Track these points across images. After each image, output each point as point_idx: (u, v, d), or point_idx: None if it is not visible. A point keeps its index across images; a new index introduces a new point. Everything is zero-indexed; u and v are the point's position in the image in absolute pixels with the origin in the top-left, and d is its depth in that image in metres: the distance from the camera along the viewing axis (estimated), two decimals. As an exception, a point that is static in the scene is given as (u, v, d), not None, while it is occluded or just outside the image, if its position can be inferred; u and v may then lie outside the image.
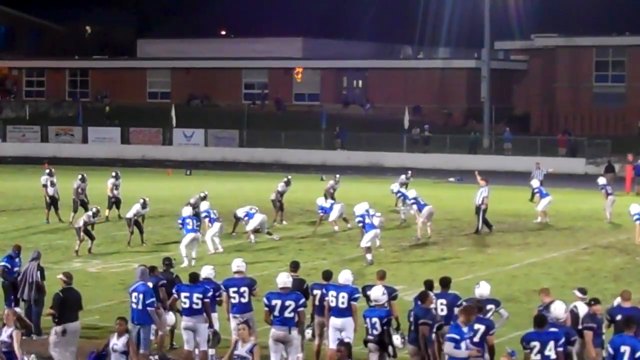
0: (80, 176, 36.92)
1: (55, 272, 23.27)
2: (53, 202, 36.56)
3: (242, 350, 14.99)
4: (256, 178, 54.63)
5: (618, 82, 75.80)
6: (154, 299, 18.04)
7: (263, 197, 38.90)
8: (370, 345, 16.53)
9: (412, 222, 34.71)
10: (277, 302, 17.06)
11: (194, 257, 27.97)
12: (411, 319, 16.44)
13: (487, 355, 15.83)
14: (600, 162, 57.05)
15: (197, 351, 17.90)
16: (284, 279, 17.43)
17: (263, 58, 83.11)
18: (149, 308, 17.83)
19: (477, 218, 34.82)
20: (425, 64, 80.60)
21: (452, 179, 54.50)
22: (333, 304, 17.65)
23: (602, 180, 39.35)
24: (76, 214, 35.15)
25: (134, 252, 30.45)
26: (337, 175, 40.02)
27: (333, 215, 34.34)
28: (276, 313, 17.06)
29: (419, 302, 16.60)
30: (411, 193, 34.20)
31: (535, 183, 38.00)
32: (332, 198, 36.23)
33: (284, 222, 36.27)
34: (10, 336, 15.96)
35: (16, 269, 21.31)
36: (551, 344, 14.78)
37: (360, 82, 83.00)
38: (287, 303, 17.04)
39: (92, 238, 30.41)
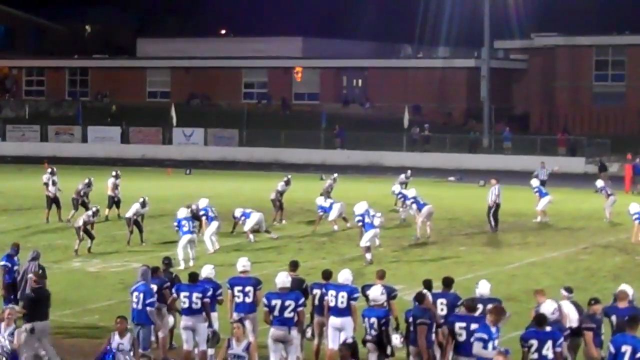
0: (87, 180, 36.71)
1: (55, 272, 23.37)
2: (55, 201, 36.58)
3: (237, 349, 14.99)
4: (256, 177, 54.63)
5: (618, 81, 75.80)
6: (153, 299, 18.04)
7: (263, 196, 38.91)
8: (369, 345, 16.53)
9: (411, 222, 34.70)
10: (276, 302, 17.06)
11: (192, 258, 27.95)
12: (410, 319, 16.42)
13: None
14: (603, 161, 57.08)
15: (196, 351, 17.91)
16: (283, 279, 17.43)
17: (263, 57, 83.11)
18: (148, 308, 17.84)
19: (488, 218, 34.79)
20: (425, 63, 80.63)
21: (451, 179, 54.49)
22: (332, 304, 17.65)
23: (599, 183, 39.38)
24: (76, 212, 35.14)
25: (134, 252, 30.46)
26: (335, 175, 40.01)
27: (332, 215, 34.34)
28: (276, 313, 17.05)
29: (417, 303, 16.60)
30: (411, 192, 34.21)
31: (534, 182, 37.98)
32: (329, 197, 36.20)
33: (284, 222, 36.27)
34: (12, 334, 15.98)
35: (15, 267, 21.26)
36: (549, 343, 14.81)
37: (360, 81, 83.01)
38: (287, 303, 17.04)
39: (91, 237, 30.42)
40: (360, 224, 29.32)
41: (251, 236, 32.00)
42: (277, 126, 68.25)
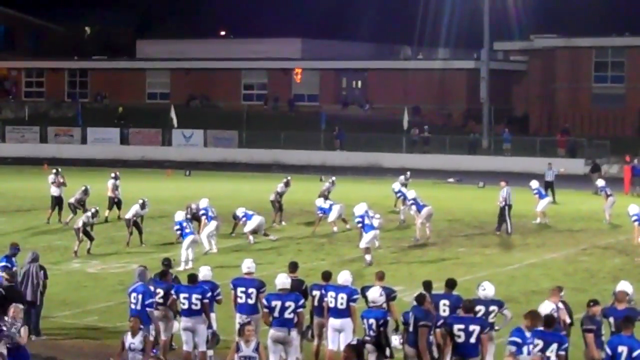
0: (83, 188, 36.67)
1: (54, 273, 23.36)
2: (58, 202, 36.59)
3: (247, 350, 14.94)
4: (255, 179, 54.64)
5: (617, 82, 75.80)
6: (152, 300, 18.04)
7: (262, 197, 38.89)
8: (368, 346, 16.52)
9: (411, 223, 34.70)
10: (276, 303, 17.05)
11: (191, 259, 27.95)
12: (410, 320, 16.40)
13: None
14: (600, 162, 57.08)
15: (196, 352, 17.90)
16: (283, 280, 17.43)
17: (262, 59, 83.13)
18: (147, 308, 17.83)
19: (499, 220, 34.77)
20: (425, 65, 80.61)
21: (451, 180, 54.49)
22: (332, 305, 17.64)
23: (600, 182, 39.39)
24: (75, 215, 35.12)
25: (133, 253, 30.44)
26: (333, 178, 39.92)
27: (332, 216, 34.34)
28: (276, 314, 17.04)
29: (416, 304, 16.58)
30: (410, 194, 34.20)
31: (534, 184, 37.95)
32: (328, 198, 36.17)
33: (283, 223, 36.26)
34: (18, 332, 16.00)
35: (14, 268, 21.17)
36: (554, 346, 14.82)
37: (359, 82, 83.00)
38: (287, 304, 17.03)
39: (91, 239, 30.40)
40: (359, 225, 29.31)
41: (251, 237, 32.01)
42: (276, 127, 68.25)
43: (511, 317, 17.20)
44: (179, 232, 28.82)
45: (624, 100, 74.93)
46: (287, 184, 37.38)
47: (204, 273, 18.76)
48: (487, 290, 17.04)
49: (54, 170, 38.51)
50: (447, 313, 16.95)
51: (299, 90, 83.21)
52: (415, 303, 16.60)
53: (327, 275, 18.40)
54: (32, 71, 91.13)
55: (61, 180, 37.53)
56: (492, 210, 40.04)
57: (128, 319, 16.67)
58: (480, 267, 28.39)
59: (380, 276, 18.19)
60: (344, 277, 17.95)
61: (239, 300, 18.18)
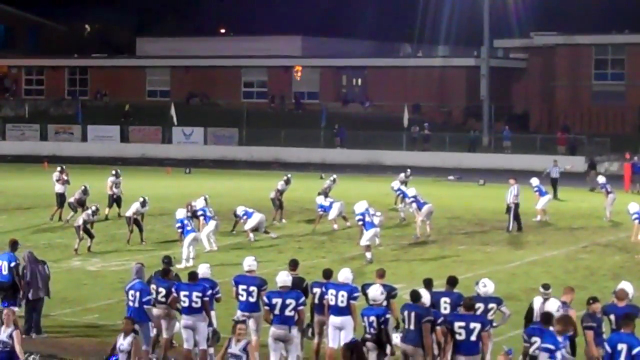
0: (82, 187, 36.65)
1: (54, 271, 23.32)
2: (62, 199, 36.59)
3: (235, 348, 15.00)
4: (255, 176, 54.63)
5: (617, 80, 75.74)
6: (150, 297, 18.05)
7: (262, 195, 38.90)
8: (368, 344, 16.52)
9: (411, 221, 34.69)
10: (277, 301, 17.06)
11: (192, 257, 27.95)
12: (407, 318, 16.33)
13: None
14: (600, 160, 57.07)
15: (196, 350, 17.90)
16: (284, 278, 17.43)
17: (262, 56, 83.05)
18: (145, 306, 17.85)
19: (508, 217, 34.77)
20: (425, 62, 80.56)
21: (451, 177, 54.51)
22: (332, 303, 17.65)
23: (601, 179, 39.39)
24: (75, 214, 35.12)
25: (134, 251, 30.45)
26: (334, 176, 39.88)
27: (332, 214, 34.34)
28: (276, 312, 17.05)
29: (413, 302, 16.51)
30: (410, 191, 34.19)
31: (534, 181, 37.94)
32: (327, 197, 36.14)
33: (284, 221, 36.26)
34: (10, 336, 15.93)
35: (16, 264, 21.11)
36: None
37: (359, 80, 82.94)
38: (288, 301, 17.04)
39: (91, 236, 30.41)
40: (360, 222, 29.30)
41: (251, 235, 32.01)
42: (276, 125, 68.22)
43: (509, 314, 17.21)
44: (180, 230, 28.83)
45: (624, 97, 74.87)
46: (287, 182, 37.40)
47: (203, 271, 18.77)
48: (487, 287, 17.05)
49: (59, 168, 38.57)
50: (448, 311, 16.95)
51: (299, 87, 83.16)
52: (410, 301, 16.52)
53: (327, 273, 18.40)
54: (32, 69, 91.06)
55: (65, 178, 37.59)
56: (492, 207, 40.13)
57: (123, 319, 16.67)
58: (480, 265, 28.39)
59: (381, 274, 18.19)
60: (344, 275, 17.95)
61: (240, 298, 18.19)
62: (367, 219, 29.01)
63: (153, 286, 18.58)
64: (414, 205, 33.34)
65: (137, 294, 17.95)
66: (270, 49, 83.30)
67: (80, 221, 30.19)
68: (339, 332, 17.48)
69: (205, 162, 63.07)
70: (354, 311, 17.53)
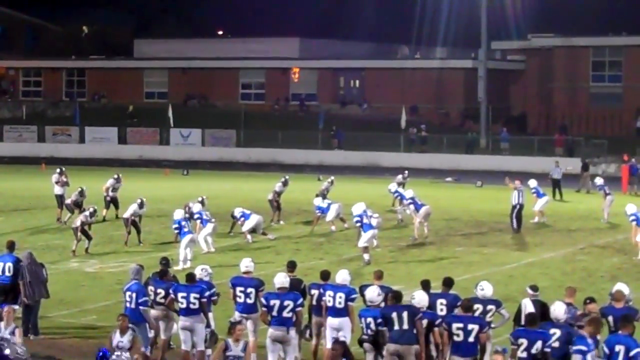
0: (79, 189, 36.60)
1: (52, 272, 23.32)
2: (62, 201, 36.57)
3: (236, 349, 14.99)
4: (253, 178, 54.64)
5: (615, 82, 75.81)
6: (146, 298, 18.06)
7: (260, 197, 38.92)
8: (366, 345, 16.53)
9: (409, 222, 34.71)
10: (275, 302, 17.06)
11: (189, 259, 27.94)
12: (396, 318, 16.18)
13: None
14: (597, 162, 57.12)
15: (194, 351, 17.90)
16: (282, 279, 17.44)
17: (260, 58, 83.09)
18: (141, 307, 17.86)
19: (512, 218, 34.77)
20: (423, 64, 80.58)
21: (449, 179, 54.53)
22: (330, 304, 17.66)
23: (599, 181, 39.41)
24: (72, 215, 35.13)
25: (131, 252, 30.44)
26: (332, 178, 39.95)
27: (330, 216, 34.35)
28: (274, 313, 17.05)
29: (397, 302, 16.41)
30: (408, 193, 34.21)
31: (532, 183, 37.94)
32: (325, 198, 36.16)
33: (281, 222, 36.27)
34: (12, 333, 15.97)
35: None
36: (539, 343, 14.88)
37: (357, 82, 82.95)
38: (286, 303, 17.04)
39: (89, 238, 30.39)
40: (358, 224, 29.31)
41: (249, 237, 32.01)
42: (274, 127, 68.25)
43: (508, 317, 17.21)
44: (177, 232, 28.82)
45: (621, 99, 74.95)
46: (285, 184, 37.41)
47: (198, 273, 18.74)
48: (485, 290, 17.07)
49: (58, 170, 38.56)
50: (444, 312, 16.96)
51: (297, 89, 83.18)
52: (394, 301, 16.42)
53: (325, 275, 18.41)
54: (29, 70, 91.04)
55: (65, 180, 37.58)
56: (490, 209, 40.19)
57: (117, 317, 16.66)
58: (478, 266, 28.40)
59: (379, 275, 18.20)
60: (342, 277, 17.96)
61: (238, 300, 18.20)
62: (365, 220, 29.02)
63: (151, 287, 18.58)
64: (412, 207, 33.35)
65: (134, 295, 17.97)
66: (268, 51, 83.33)
67: (78, 223, 30.18)
68: (337, 333, 17.48)
69: (203, 164, 63.08)
70: (352, 312, 17.54)
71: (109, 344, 15.94)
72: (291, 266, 18.84)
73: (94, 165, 60.27)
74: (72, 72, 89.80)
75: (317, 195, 36.18)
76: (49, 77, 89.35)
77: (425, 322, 16.32)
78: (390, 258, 29.75)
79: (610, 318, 16.11)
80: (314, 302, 18.23)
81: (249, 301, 18.13)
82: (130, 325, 16.21)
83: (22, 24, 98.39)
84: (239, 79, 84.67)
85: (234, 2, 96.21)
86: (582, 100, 75.61)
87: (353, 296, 17.64)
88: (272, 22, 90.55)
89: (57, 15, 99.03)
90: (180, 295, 17.91)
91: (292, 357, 17.35)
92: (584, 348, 14.63)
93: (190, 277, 18.29)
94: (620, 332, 14.82)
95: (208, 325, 18.03)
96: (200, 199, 32.85)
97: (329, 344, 17.65)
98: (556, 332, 15.19)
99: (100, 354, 15.83)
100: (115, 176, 37.91)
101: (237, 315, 17.98)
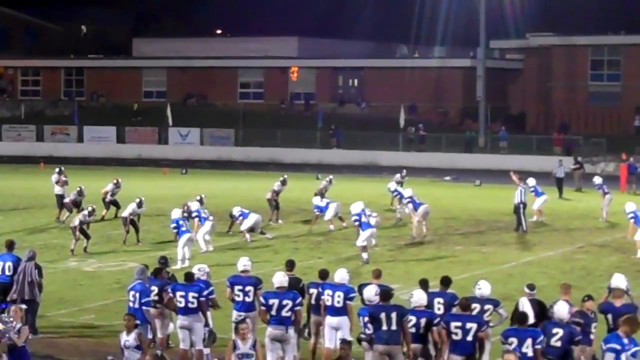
0: (78, 189, 36.59)
1: (51, 271, 23.35)
2: (62, 200, 36.55)
3: (245, 347, 14.99)
4: (252, 177, 54.62)
5: (613, 81, 75.76)
6: (149, 299, 18.06)
7: (259, 196, 38.90)
8: (364, 344, 16.53)
9: (407, 221, 34.71)
10: (274, 302, 17.06)
11: (187, 258, 27.94)
12: (385, 318, 16.15)
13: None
14: (596, 161, 57.12)
15: (193, 350, 17.90)
16: (281, 278, 17.43)
17: (259, 57, 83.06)
18: (144, 307, 17.86)
19: (517, 217, 34.77)
20: (421, 63, 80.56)
21: (447, 178, 54.53)
22: (329, 303, 17.66)
23: (598, 180, 39.39)
24: (71, 214, 35.12)
25: (130, 251, 30.45)
26: (331, 176, 39.94)
27: (329, 214, 34.35)
28: (273, 312, 17.05)
29: (385, 301, 16.36)
30: (407, 192, 34.20)
31: (531, 182, 37.91)
32: (323, 197, 36.15)
33: (280, 221, 36.26)
34: (18, 332, 15.97)
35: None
36: (528, 341, 14.92)
37: (355, 81, 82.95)
38: (285, 302, 17.04)
39: (87, 237, 30.39)
40: (356, 223, 29.30)
41: (247, 236, 32.01)
42: (273, 126, 68.25)
43: (506, 316, 17.21)
44: (175, 231, 28.82)
45: (620, 98, 74.91)
46: (283, 183, 37.40)
47: (196, 273, 18.74)
48: (483, 289, 17.07)
49: (57, 170, 38.54)
50: (441, 311, 16.97)
51: (296, 88, 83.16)
52: (380, 301, 16.40)
53: (324, 274, 18.42)
54: (28, 70, 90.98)
55: (64, 179, 37.57)
56: (488, 208, 40.20)
57: (123, 317, 16.68)
58: (477, 265, 28.41)
59: (377, 274, 18.21)
60: (340, 275, 17.96)
61: (237, 299, 18.19)
62: (364, 219, 29.03)
63: (151, 287, 18.60)
64: (410, 205, 33.33)
65: (137, 295, 17.98)
66: (266, 50, 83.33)
67: (76, 222, 30.17)
68: (336, 332, 17.50)
69: (202, 163, 63.05)
70: (351, 311, 17.55)
71: (119, 347, 15.92)
72: (290, 265, 18.84)
73: (92, 164, 60.25)
74: (71, 71, 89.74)
75: (315, 194, 36.18)
76: (48, 76, 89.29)
77: (424, 321, 16.34)
78: (388, 257, 29.75)
79: (610, 315, 16.10)
80: (313, 301, 18.24)
81: (247, 300, 18.13)
82: (137, 322, 16.18)
83: (21, 23, 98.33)
84: (237, 78, 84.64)
85: (232, 2, 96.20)
86: (581, 99, 75.57)
87: (352, 295, 17.65)
88: (270, 21, 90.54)
89: (55, 15, 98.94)
90: (178, 294, 17.93)
91: (290, 356, 17.35)
92: (617, 347, 14.36)
93: (189, 276, 18.29)
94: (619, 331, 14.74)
95: (206, 325, 18.04)
96: (198, 197, 32.85)
97: (327, 343, 17.66)
98: (559, 332, 15.20)
99: None
100: (115, 181, 37.77)
101: (235, 315, 17.98)
